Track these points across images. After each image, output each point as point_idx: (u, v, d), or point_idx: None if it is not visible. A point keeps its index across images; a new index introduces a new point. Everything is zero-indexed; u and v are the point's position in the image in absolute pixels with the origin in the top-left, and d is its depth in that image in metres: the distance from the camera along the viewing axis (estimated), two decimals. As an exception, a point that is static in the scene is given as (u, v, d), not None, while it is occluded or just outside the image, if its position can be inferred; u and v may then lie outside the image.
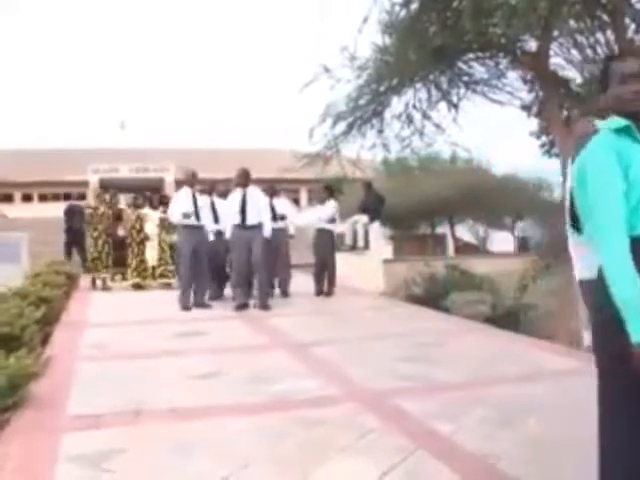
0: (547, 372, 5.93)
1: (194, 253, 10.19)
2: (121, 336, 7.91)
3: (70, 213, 19.43)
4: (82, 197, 33.99)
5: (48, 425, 4.45)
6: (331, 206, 11.80)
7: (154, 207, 13.90)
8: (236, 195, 10.18)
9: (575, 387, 5.37)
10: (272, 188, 11.42)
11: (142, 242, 13.51)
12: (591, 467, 3.45)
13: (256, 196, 10.25)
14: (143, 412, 4.68)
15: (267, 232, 10.13)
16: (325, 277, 11.85)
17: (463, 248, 27.16)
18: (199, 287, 10.43)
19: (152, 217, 13.41)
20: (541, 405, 4.75)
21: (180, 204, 10.27)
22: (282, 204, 11.78)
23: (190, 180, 10.59)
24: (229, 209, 10.29)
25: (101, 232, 13.36)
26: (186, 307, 10.00)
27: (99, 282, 13.50)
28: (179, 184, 16.11)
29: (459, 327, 8.42)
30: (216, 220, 11.20)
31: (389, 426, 4.32)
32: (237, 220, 10.02)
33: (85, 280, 13.79)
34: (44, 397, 4.96)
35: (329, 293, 11.69)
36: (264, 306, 9.84)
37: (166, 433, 4.25)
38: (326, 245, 11.83)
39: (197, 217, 10.23)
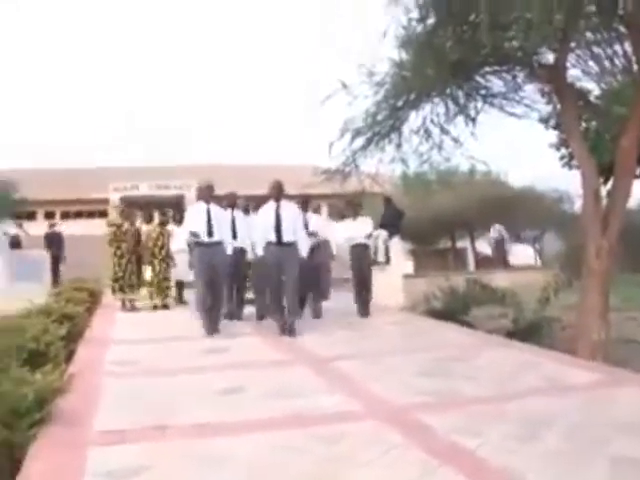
0: (570, 386, 5.90)
1: (209, 272, 9.32)
2: (145, 353, 7.98)
3: (49, 239, 19.91)
4: (104, 214, 34.18)
5: (75, 440, 4.50)
6: (365, 222, 11.48)
7: (178, 223, 13.04)
8: (268, 209, 9.39)
9: (598, 400, 5.38)
10: (305, 201, 10.93)
11: (163, 260, 13.05)
12: None
13: (290, 210, 9.44)
14: (169, 427, 4.73)
15: (304, 251, 9.42)
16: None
17: (483, 262, 27.03)
18: (214, 307, 9.51)
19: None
20: (565, 419, 4.74)
21: (191, 222, 9.53)
22: (314, 219, 11.23)
23: (204, 193, 9.73)
24: (260, 223, 9.43)
25: (124, 251, 12.84)
26: (210, 331, 9.25)
27: (128, 303, 13.00)
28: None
29: (481, 341, 8.40)
30: (234, 237, 10.30)
31: (412, 441, 4.32)
32: (271, 237, 9.21)
33: (108, 298, 13.61)
34: (70, 413, 5.00)
35: (366, 313, 11.04)
36: (291, 330, 9.01)
37: (191, 448, 4.29)
38: (364, 261, 11.31)
39: (210, 233, 9.35)
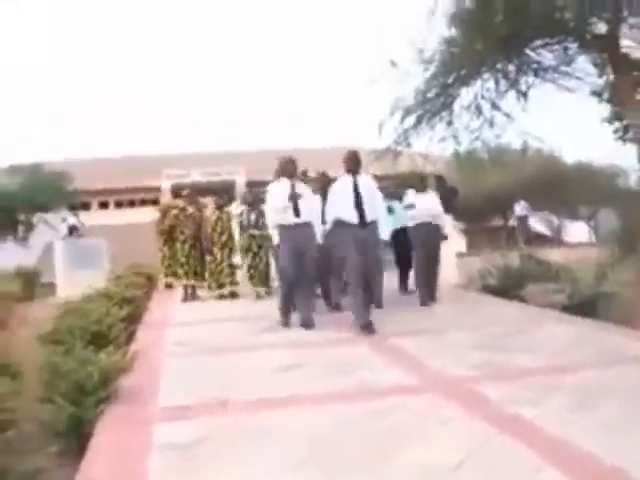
0: (628, 358, 5.86)
1: (295, 258, 7.93)
2: (203, 333, 8.12)
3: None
4: (156, 202, 34.73)
5: (139, 416, 4.65)
6: (434, 197, 10.13)
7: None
8: (343, 184, 7.91)
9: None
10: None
11: (225, 246, 11.67)
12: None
13: (370, 185, 7.95)
14: (229, 403, 4.84)
15: (384, 233, 7.95)
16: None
17: (534, 239, 26.75)
18: (303, 301, 8.25)
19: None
20: (621, 390, 4.73)
21: (274, 197, 8.12)
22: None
23: (288, 168, 8.24)
24: (335, 201, 7.88)
25: (188, 236, 11.83)
26: (286, 324, 8.21)
27: (190, 291, 11.98)
28: (252, 185, 16.14)
29: (537, 315, 8.35)
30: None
31: (470, 412, 4.36)
32: (349, 216, 7.69)
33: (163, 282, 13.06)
34: (134, 391, 5.17)
35: (433, 299, 9.80)
36: (369, 326, 7.50)
37: (250, 422, 4.41)
38: (435, 243, 9.88)
39: (296, 212, 7.97)
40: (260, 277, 11.34)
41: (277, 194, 8.07)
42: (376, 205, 7.86)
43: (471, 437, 3.85)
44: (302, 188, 8.24)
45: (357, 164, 7.93)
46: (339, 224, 7.83)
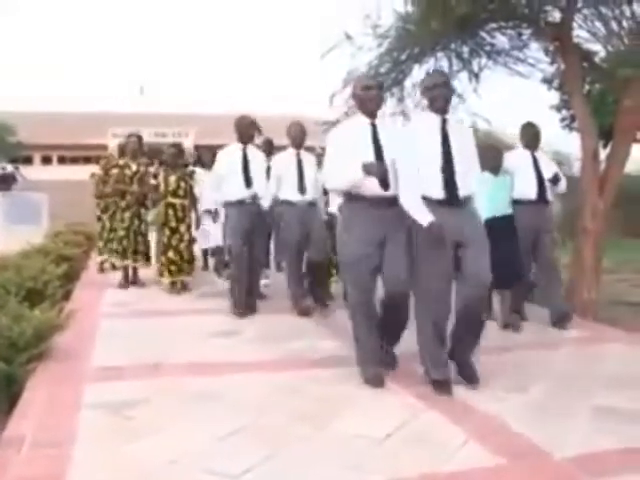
0: (559, 341, 6.04)
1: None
2: (141, 295, 8.07)
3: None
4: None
5: (72, 375, 4.63)
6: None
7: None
8: (428, 132, 4.56)
9: (585, 355, 5.52)
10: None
11: (183, 219, 8.64)
12: (592, 431, 3.59)
13: (467, 140, 4.77)
14: (165, 366, 4.85)
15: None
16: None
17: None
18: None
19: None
20: (552, 371, 4.89)
21: (345, 148, 4.64)
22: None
23: (369, 102, 4.72)
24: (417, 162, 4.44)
25: (131, 202, 8.95)
26: None
27: (130, 274, 9.18)
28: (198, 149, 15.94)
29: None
30: (248, 184, 7.02)
31: (404, 387, 4.46)
32: (432, 190, 4.43)
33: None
34: (68, 349, 5.13)
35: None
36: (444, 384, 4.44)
37: (185, 385, 4.43)
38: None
39: (384, 182, 4.50)
40: (180, 262, 8.55)
41: (352, 144, 4.67)
42: (470, 175, 4.66)
43: (402, 410, 3.92)
44: (390, 133, 4.82)
45: (447, 99, 4.72)
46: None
